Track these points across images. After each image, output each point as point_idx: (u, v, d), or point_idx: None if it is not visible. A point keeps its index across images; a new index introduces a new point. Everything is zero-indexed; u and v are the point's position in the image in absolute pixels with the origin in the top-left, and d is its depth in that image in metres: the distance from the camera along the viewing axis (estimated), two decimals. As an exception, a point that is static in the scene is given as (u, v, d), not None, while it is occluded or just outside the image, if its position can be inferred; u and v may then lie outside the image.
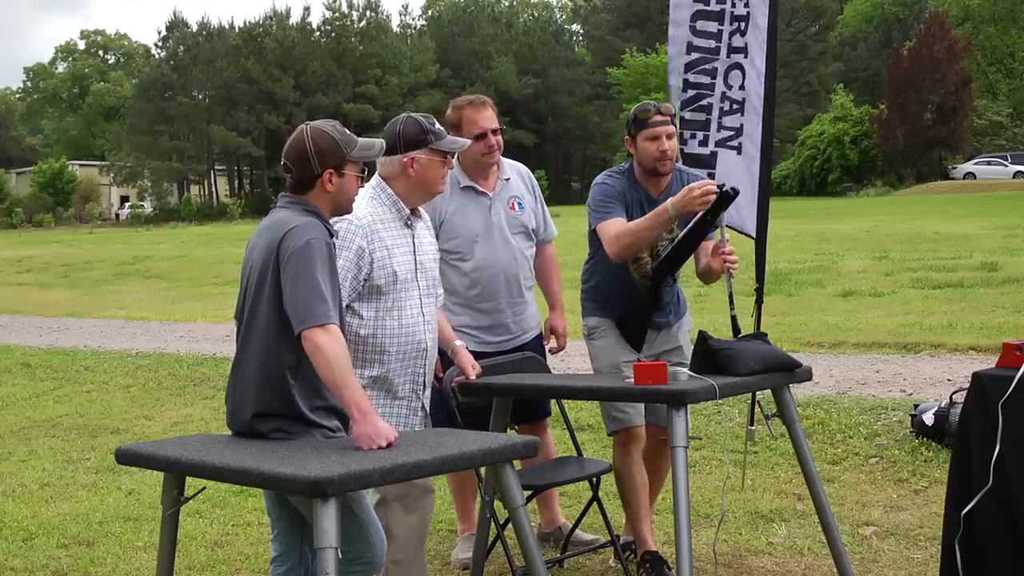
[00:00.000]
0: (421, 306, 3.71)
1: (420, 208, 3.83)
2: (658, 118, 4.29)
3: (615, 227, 4.26)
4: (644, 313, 4.37)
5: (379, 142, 3.40)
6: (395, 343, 3.63)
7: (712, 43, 5.55)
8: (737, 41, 5.54)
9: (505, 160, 4.65)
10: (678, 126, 5.73)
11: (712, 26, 5.55)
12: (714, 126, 5.63)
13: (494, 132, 4.46)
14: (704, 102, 5.61)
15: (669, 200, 4.13)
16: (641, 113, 4.33)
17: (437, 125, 3.74)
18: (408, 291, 3.67)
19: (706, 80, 5.60)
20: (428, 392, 3.80)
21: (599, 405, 4.70)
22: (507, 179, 4.63)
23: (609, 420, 4.42)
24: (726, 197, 4.03)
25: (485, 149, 4.46)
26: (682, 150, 5.76)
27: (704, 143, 5.63)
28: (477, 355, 4.20)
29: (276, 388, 3.14)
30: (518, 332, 4.62)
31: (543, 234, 4.76)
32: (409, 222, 3.74)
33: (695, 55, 5.60)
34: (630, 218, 4.32)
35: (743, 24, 5.50)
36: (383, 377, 3.65)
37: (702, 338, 3.91)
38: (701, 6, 5.55)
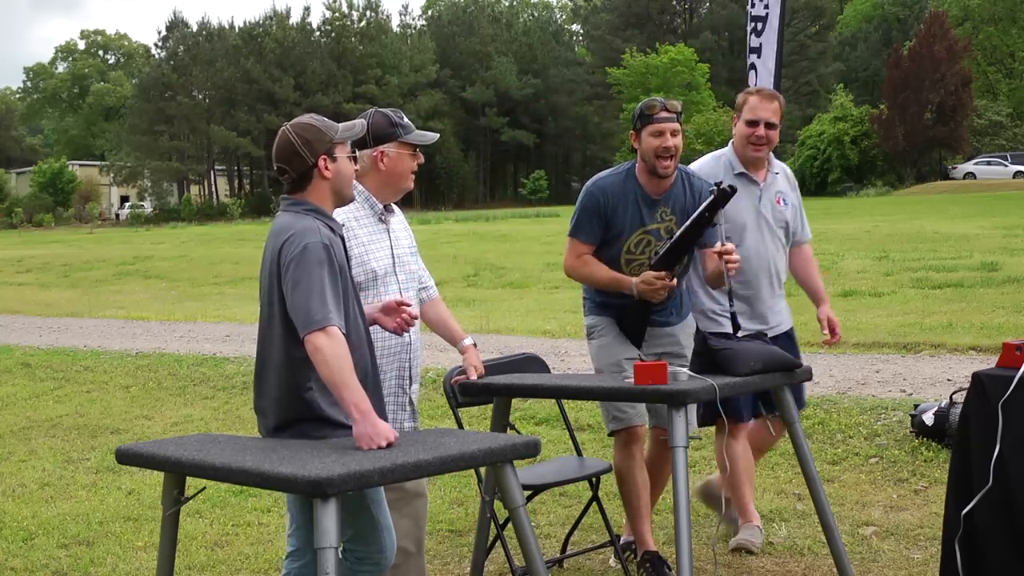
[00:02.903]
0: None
1: (393, 204, 3.84)
2: (664, 114, 4.26)
3: (581, 253, 4.37)
4: (641, 311, 4.35)
5: (359, 121, 3.41)
6: (378, 337, 3.61)
7: (757, 42, 5.61)
8: (753, 42, 5.58)
9: (773, 158, 4.74)
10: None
11: (752, 26, 5.60)
12: None
13: (768, 125, 4.53)
14: None
15: (637, 282, 4.21)
16: (647, 108, 4.31)
17: (405, 119, 3.75)
18: (387, 286, 3.68)
19: (753, 80, 5.65)
20: (416, 387, 3.79)
21: (599, 405, 4.70)
22: (776, 173, 4.69)
23: (609, 420, 4.41)
24: (724, 195, 4.03)
25: (753, 138, 4.56)
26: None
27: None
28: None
29: (296, 394, 3.16)
30: (774, 323, 4.63)
31: (800, 235, 4.80)
32: (383, 217, 3.75)
33: (751, 57, 5.66)
34: (624, 216, 4.31)
35: (760, 24, 5.54)
36: None
37: (702, 338, 3.91)
38: (753, 11, 5.60)
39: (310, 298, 3.02)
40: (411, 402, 3.77)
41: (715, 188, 4.01)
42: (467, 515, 5.36)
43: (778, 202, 4.67)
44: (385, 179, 3.72)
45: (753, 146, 4.57)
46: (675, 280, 4.24)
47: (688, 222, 4.14)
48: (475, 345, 3.94)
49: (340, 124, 3.30)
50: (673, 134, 4.26)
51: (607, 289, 4.38)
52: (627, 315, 4.38)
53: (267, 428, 3.27)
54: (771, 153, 4.72)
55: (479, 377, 3.90)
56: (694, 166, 4.76)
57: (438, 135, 4.04)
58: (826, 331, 4.80)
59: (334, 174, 3.23)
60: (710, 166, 4.71)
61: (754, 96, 4.63)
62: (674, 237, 4.19)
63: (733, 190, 4.04)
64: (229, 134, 65.22)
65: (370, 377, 3.20)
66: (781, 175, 4.73)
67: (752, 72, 5.65)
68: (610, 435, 4.47)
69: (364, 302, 3.56)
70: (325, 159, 3.21)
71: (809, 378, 4.09)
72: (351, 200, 3.39)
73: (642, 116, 4.30)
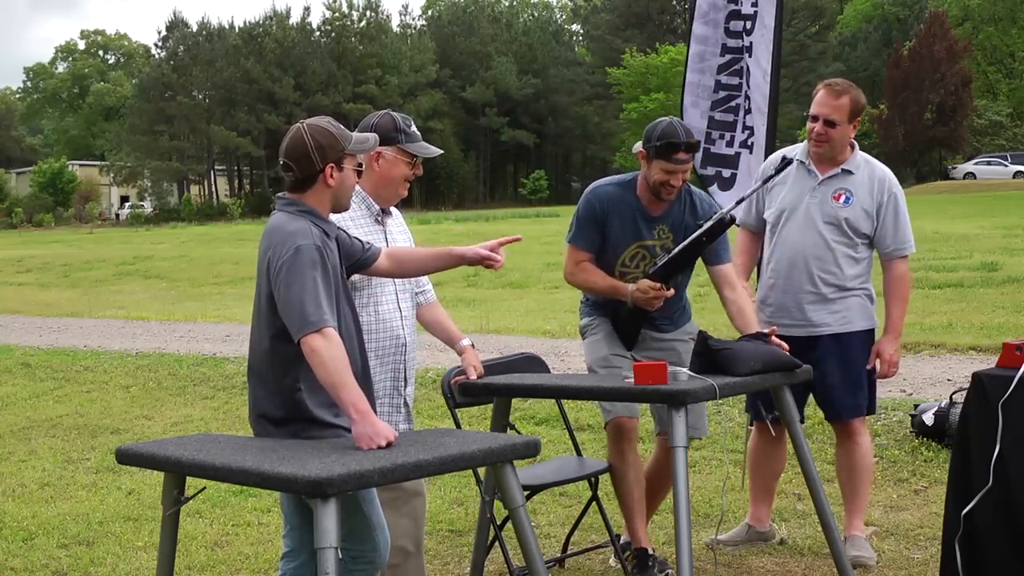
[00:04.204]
0: (397, 301, 3.72)
1: (393, 208, 3.84)
2: (681, 156, 4.15)
3: (579, 260, 4.36)
4: (635, 318, 4.34)
5: (372, 136, 3.40)
6: (372, 338, 3.61)
7: (740, 42, 5.62)
8: (744, 40, 5.59)
9: (867, 157, 4.57)
10: (706, 126, 5.79)
11: (740, 25, 5.61)
12: (739, 127, 5.69)
13: (827, 122, 4.42)
14: (733, 103, 5.67)
15: (633, 289, 4.20)
16: (668, 144, 4.14)
17: (413, 127, 3.74)
18: (383, 285, 3.68)
19: (736, 81, 5.66)
20: (410, 389, 3.79)
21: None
22: (849, 171, 4.50)
23: (603, 412, 4.43)
24: (721, 225, 4.06)
25: (813, 133, 4.48)
26: (708, 150, 5.79)
27: (730, 144, 5.70)
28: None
29: (285, 395, 3.17)
30: (803, 322, 4.47)
31: (887, 247, 4.52)
32: (380, 218, 3.76)
33: (728, 56, 5.65)
34: (621, 229, 4.30)
35: (750, 23, 5.54)
36: None
37: (702, 338, 3.90)
38: (734, 7, 5.60)
39: (304, 300, 3.02)
40: (406, 404, 3.77)
41: (721, 217, 4.02)
42: (467, 515, 5.36)
43: (836, 198, 4.45)
44: (378, 181, 3.70)
45: (814, 142, 4.49)
46: (672, 291, 4.24)
47: (687, 242, 4.16)
48: (473, 345, 3.93)
49: (354, 135, 3.30)
50: (683, 173, 4.21)
51: (604, 296, 4.40)
52: (621, 319, 4.38)
53: (259, 427, 3.27)
54: (856, 150, 4.54)
55: (478, 377, 3.89)
56: (771, 156, 4.77)
57: (440, 151, 4.04)
58: (872, 363, 4.55)
59: (337, 183, 3.23)
60: (777, 157, 4.70)
61: (824, 89, 4.50)
62: (672, 253, 4.21)
63: (732, 220, 4.06)
64: (229, 134, 65.20)
65: (360, 379, 3.19)
66: (861, 177, 4.49)
67: (744, 72, 5.65)
68: (605, 427, 4.47)
69: (359, 302, 3.57)
70: (332, 167, 3.21)
71: (809, 378, 4.08)
72: (347, 209, 3.39)
73: (660, 148, 4.16)
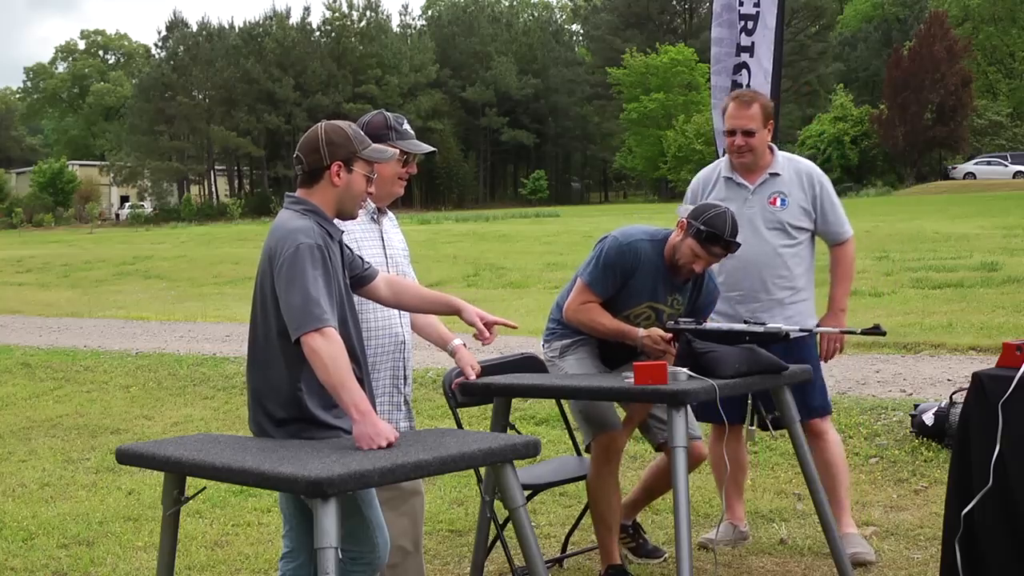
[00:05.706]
0: None
1: (387, 209, 3.85)
2: (717, 250, 4.09)
3: (588, 301, 4.24)
4: (628, 348, 4.28)
5: (392, 150, 3.40)
6: (372, 336, 3.62)
7: (748, 41, 5.69)
8: (744, 40, 5.64)
9: (786, 156, 4.68)
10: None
11: (743, 24, 5.67)
12: None
13: (745, 133, 4.51)
14: None
15: (644, 335, 4.11)
16: (711, 233, 4.04)
17: (405, 126, 3.74)
18: None
19: (744, 80, 5.70)
20: (409, 387, 3.79)
21: (576, 419, 4.46)
22: (776, 174, 4.61)
23: (590, 428, 4.30)
24: (774, 336, 3.98)
25: (733, 147, 4.57)
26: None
27: None
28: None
29: (286, 395, 3.16)
30: (760, 329, 4.40)
31: (831, 235, 4.65)
32: (375, 217, 3.77)
33: (743, 56, 5.71)
34: (642, 285, 4.21)
35: (751, 23, 5.59)
36: None
37: (685, 340, 3.88)
38: (742, 9, 5.67)
39: (305, 299, 3.01)
40: (406, 402, 3.77)
41: (777, 331, 4.00)
42: (467, 515, 5.36)
43: (772, 202, 4.57)
44: None
45: (735, 154, 4.60)
46: (674, 348, 4.12)
47: (726, 327, 4.03)
48: (465, 345, 3.91)
49: (374, 144, 3.30)
50: (710, 264, 4.18)
51: (606, 338, 4.27)
52: (612, 345, 4.32)
53: (257, 427, 3.27)
54: (776, 152, 4.64)
55: (477, 375, 3.87)
56: (697, 176, 4.82)
57: (434, 149, 4.03)
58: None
59: (343, 184, 3.22)
60: (705, 174, 4.77)
61: (732, 103, 4.59)
62: (704, 326, 4.05)
63: (786, 336, 4.02)
64: (229, 134, 65.22)
65: (361, 379, 3.19)
66: (788, 175, 4.59)
67: (744, 71, 5.69)
68: (587, 449, 4.36)
69: (358, 300, 3.55)
70: (340, 166, 3.21)
71: (809, 378, 4.09)
72: (351, 218, 3.37)
73: (701, 233, 4.04)
